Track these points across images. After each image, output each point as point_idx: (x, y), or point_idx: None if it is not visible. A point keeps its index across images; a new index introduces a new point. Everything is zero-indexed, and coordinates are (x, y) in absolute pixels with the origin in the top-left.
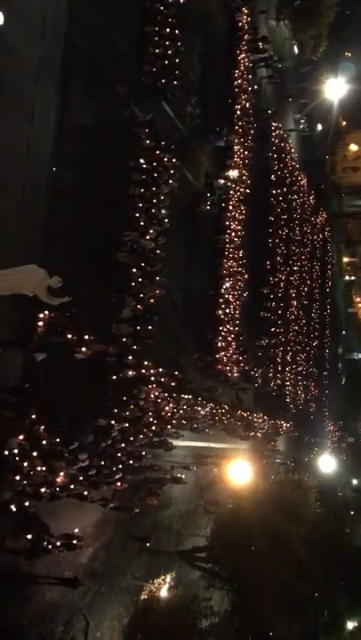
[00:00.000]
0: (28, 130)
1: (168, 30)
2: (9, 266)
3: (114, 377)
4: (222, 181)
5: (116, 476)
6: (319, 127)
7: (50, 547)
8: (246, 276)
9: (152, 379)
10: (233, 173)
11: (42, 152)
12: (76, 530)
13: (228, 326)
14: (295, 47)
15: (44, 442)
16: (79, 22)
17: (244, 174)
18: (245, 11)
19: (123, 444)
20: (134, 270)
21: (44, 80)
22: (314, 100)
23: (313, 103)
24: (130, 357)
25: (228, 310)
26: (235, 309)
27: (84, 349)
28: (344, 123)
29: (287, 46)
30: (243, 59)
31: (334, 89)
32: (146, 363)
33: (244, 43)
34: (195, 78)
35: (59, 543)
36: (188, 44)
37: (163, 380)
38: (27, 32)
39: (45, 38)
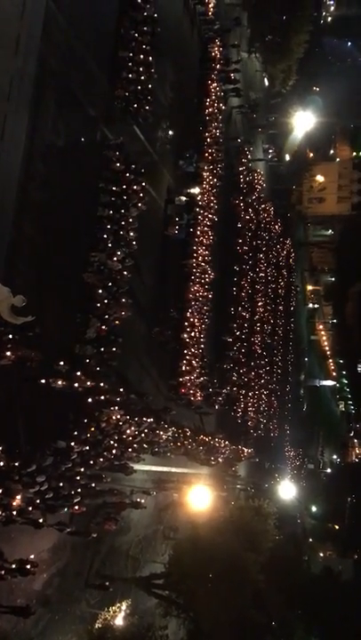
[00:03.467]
0: None
1: (142, 56)
2: None
3: (42, 381)
4: (184, 198)
5: (75, 500)
6: (287, 158)
7: (3, 573)
8: (211, 300)
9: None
10: (194, 190)
11: (11, 170)
12: (32, 555)
13: (192, 350)
14: (265, 79)
15: (1, 463)
16: (54, 43)
17: (212, 201)
18: (218, 42)
19: (82, 468)
20: (100, 291)
21: (15, 98)
22: (282, 130)
23: (290, 135)
24: (61, 363)
25: (193, 334)
26: (200, 333)
27: (8, 354)
28: (311, 154)
29: (258, 78)
30: (214, 87)
31: (302, 121)
32: (78, 373)
33: (215, 72)
34: (166, 104)
35: (13, 566)
36: (161, 70)
37: (104, 396)
38: (0, 50)
39: (19, 57)
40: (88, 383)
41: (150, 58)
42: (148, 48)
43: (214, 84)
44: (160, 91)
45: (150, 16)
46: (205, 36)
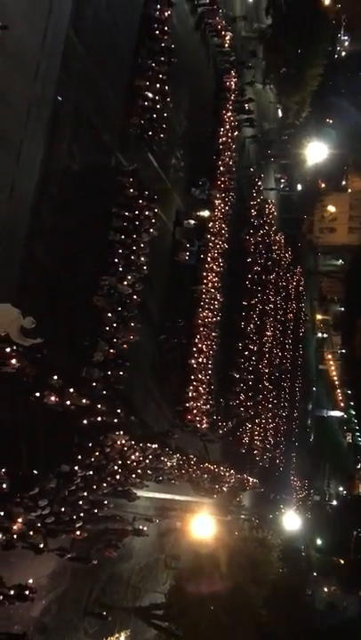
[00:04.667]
0: (13, 171)
1: (158, 85)
2: None
3: (37, 394)
4: (193, 222)
5: (76, 525)
6: (299, 187)
7: (1, 598)
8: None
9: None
10: (203, 213)
11: (25, 193)
12: (30, 580)
13: (199, 375)
14: (279, 110)
15: (4, 485)
16: (72, 70)
17: (223, 228)
18: (233, 73)
19: (85, 492)
20: (109, 314)
21: (32, 124)
22: (295, 161)
23: (302, 165)
24: (55, 377)
25: (200, 359)
26: (207, 359)
27: (13, 361)
28: (323, 185)
29: (272, 109)
30: (229, 117)
31: (315, 152)
32: (71, 390)
33: (230, 102)
34: (181, 132)
35: (11, 592)
36: (176, 99)
37: (101, 418)
38: (19, 76)
39: (37, 84)
40: (83, 401)
41: (166, 87)
42: (164, 77)
43: (229, 114)
44: (175, 119)
45: (167, 47)
46: (221, 67)
